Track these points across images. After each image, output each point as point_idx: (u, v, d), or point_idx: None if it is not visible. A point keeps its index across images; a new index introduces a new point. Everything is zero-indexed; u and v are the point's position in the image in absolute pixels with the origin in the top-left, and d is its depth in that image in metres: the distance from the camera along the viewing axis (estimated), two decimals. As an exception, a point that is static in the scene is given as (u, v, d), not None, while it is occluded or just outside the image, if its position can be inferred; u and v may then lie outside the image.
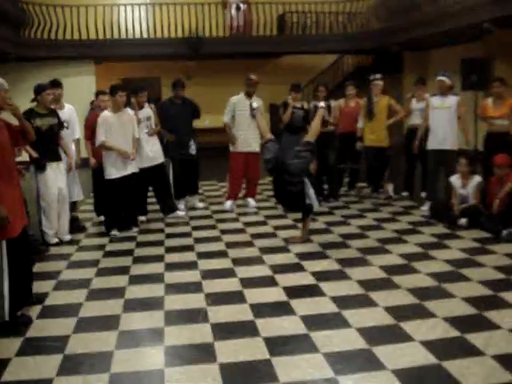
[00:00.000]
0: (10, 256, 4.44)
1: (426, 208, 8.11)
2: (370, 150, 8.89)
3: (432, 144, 7.96)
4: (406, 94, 10.15)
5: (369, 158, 9.09)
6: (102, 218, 7.91)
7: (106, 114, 7.19)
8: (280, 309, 4.77)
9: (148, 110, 7.93)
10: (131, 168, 7.31)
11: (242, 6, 16.47)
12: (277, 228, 7.49)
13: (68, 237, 7.13)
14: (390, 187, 9.23)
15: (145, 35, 15.44)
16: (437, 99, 7.95)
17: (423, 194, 8.84)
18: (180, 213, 8.22)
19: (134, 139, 7.39)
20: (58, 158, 6.90)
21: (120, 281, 5.59)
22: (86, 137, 7.73)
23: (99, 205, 8.05)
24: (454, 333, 4.20)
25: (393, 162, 9.35)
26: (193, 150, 8.41)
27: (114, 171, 7.18)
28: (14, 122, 4.80)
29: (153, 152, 7.89)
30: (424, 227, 7.31)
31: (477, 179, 7.34)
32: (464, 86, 9.41)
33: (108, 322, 4.59)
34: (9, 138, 4.59)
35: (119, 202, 7.24)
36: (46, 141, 6.61)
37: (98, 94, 8.20)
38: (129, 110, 7.48)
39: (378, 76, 8.93)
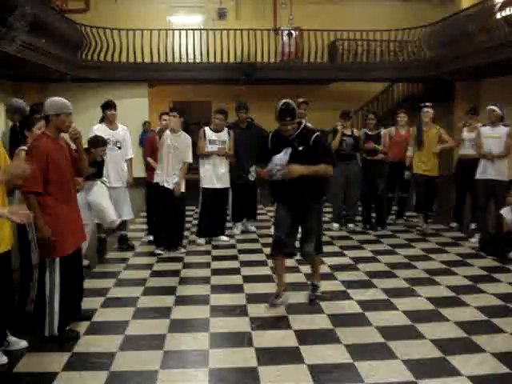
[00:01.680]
0: (62, 272, 4.55)
1: (475, 240, 7.96)
2: (419, 178, 8.78)
3: (482, 174, 7.83)
4: (458, 124, 10.02)
5: (417, 187, 8.98)
6: (151, 237, 8.06)
7: (167, 133, 7.43)
8: (325, 336, 4.74)
9: (224, 134, 8.07)
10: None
11: (293, 32, 16.63)
12: (323, 255, 7.42)
13: (85, 262, 6.76)
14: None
15: (197, 59, 15.72)
16: (487, 129, 7.85)
17: (473, 226, 8.68)
18: (224, 238, 8.26)
19: (183, 163, 7.47)
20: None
21: (166, 301, 5.65)
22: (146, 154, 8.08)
23: (150, 223, 8.27)
24: (502, 369, 4.10)
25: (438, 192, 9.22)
26: (252, 176, 8.42)
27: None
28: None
29: (221, 175, 8.04)
30: (473, 259, 7.17)
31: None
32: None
33: (154, 342, 4.64)
34: (70, 159, 4.73)
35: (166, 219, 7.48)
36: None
37: (161, 114, 8.43)
38: (185, 134, 7.58)
39: (429, 104, 8.85)
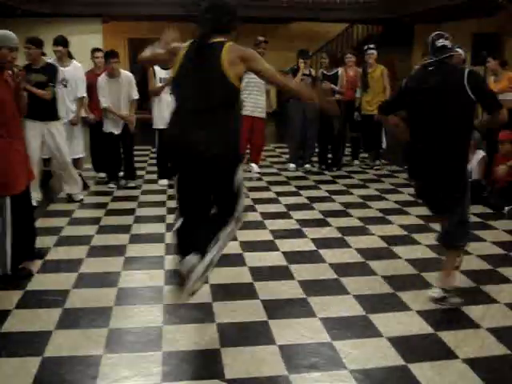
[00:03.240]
0: (13, 211, 4.45)
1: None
2: (367, 118, 8.88)
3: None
4: (415, 66, 10.04)
5: (364, 127, 9.10)
6: (101, 174, 8.11)
7: (103, 77, 7.52)
8: (279, 273, 4.80)
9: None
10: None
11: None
12: (279, 194, 7.50)
13: (80, 196, 7.11)
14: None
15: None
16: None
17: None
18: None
19: (130, 101, 7.67)
20: (41, 118, 6.49)
21: (121, 239, 5.63)
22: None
23: (97, 161, 8.29)
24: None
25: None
26: None
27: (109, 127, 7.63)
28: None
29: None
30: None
31: (481, 154, 7.32)
32: (475, 61, 9.33)
33: (108, 279, 4.63)
34: (10, 93, 4.55)
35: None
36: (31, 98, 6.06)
37: (94, 50, 8.31)
38: (127, 74, 7.70)
39: (372, 46, 8.93)
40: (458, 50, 7.69)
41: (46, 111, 6.52)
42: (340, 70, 9.02)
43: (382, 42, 9.81)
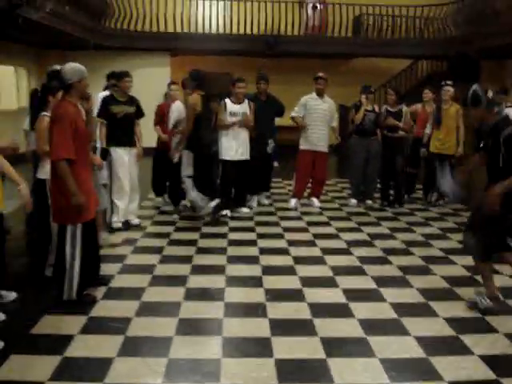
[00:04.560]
0: (83, 238, 4.61)
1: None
2: (435, 156, 8.73)
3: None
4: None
5: (428, 165, 8.97)
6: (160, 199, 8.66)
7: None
8: (339, 310, 4.77)
9: (245, 106, 8.02)
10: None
11: (318, 5, 16.43)
12: (340, 230, 7.46)
13: (137, 220, 7.39)
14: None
15: (220, 30, 15.62)
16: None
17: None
18: (245, 209, 8.30)
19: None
20: (131, 144, 7.13)
21: (182, 269, 5.72)
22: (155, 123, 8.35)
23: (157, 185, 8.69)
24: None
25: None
26: (270, 148, 8.44)
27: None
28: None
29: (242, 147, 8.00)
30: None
31: None
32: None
33: (169, 309, 4.70)
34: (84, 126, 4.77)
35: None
36: (119, 127, 6.85)
37: (171, 84, 8.58)
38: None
39: (449, 82, 8.78)
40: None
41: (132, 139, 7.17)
42: (404, 107, 8.97)
43: (447, 78, 9.67)
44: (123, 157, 6.97)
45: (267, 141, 8.37)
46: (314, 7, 16.42)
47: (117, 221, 7.09)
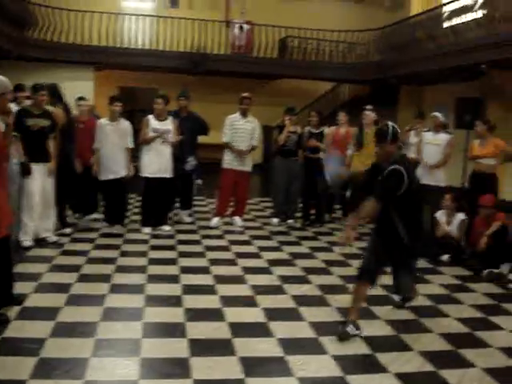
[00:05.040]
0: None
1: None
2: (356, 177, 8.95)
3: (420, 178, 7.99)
4: (404, 128, 10.26)
5: (352, 186, 9.16)
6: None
7: (104, 121, 7.71)
8: (258, 330, 4.79)
9: (168, 122, 7.97)
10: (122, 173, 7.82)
11: (244, 26, 16.64)
12: (261, 249, 7.51)
13: (54, 238, 7.17)
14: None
15: (147, 46, 15.55)
16: (429, 135, 8.04)
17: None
18: (166, 227, 8.22)
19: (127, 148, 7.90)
20: (45, 160, 6.90)
21: (101, 288, 5.59)
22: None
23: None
24: (428, 367, 4.25)
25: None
26: (189, 166, 8.39)
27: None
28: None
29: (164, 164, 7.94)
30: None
31: (461, 217, 7.43)
32: (458, 125, 9.55)
33: (86, 329, 4.58)
34: (2, 141, 4.60)
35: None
36: (34, 141, 6.66)
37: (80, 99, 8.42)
38: (124, 120, 7.88)
39: (369, 107, 9.05)
40: (435, 113, 7.95)
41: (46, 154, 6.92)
42: (325, 129, 9.16)
43: (368, 102, 9.99)
44: (35, 172, 6.74)
45: (186, 158, 8.34)
46: (241, 27, 16.62)
47: (27, 239, 6.85)
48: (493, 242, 6.87)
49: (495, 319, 5.38)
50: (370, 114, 8.90)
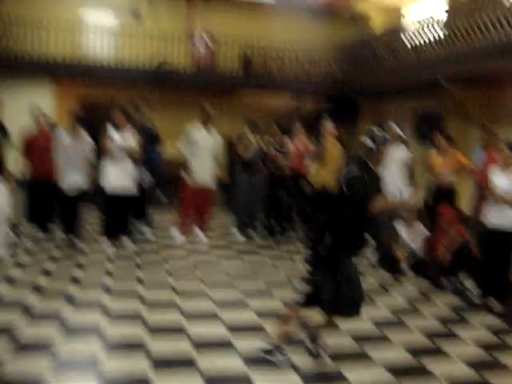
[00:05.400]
0: None
1: (372, 255, 8.14)
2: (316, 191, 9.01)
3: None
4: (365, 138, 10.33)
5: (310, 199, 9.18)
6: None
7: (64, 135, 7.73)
8: (221, 346, 4.73)
9: (130, 135, 7.89)
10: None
11: (207, 41, 16.65)
12: (222, 257, 7.52)
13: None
14: None
15: (108, 60, 15.39)
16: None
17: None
18: (127, 240, 8.11)
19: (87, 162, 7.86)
20: None
21: (56, 303, 5.44)
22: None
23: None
24: (392, 380, 4.26)
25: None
26: (143, 180, 8.27)
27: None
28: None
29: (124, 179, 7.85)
30: (370, 274, 7.39)
31: (422, 229, 7.50)
32: (417, 139, 9.69)
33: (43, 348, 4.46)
34: None
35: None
36: None
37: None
38: (86, 135, 7.85)
39: (328, 120, 9.06)
40: (393, 126, 8.02)
41: None
42: (286, 141, 9.19)
43: (329, 116, 10.06)
44: None
45: (141, 171, 8.23)
46: (204, 43, 16.61)
47: None
48: (452, 254, 6.95)
49: (456, 329, 5.44)
50: (327, 124, 8.87)
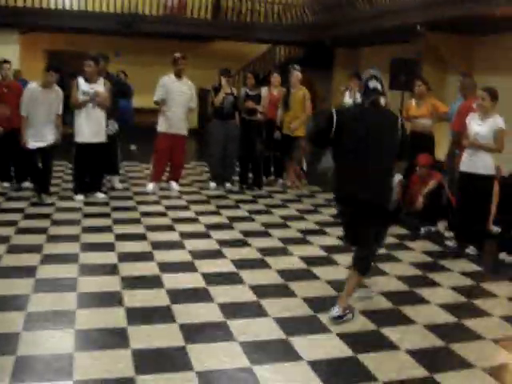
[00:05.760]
0: None
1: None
2: (286, 138, 8.96)
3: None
4: (340, 87, 10.25)
5: (283, 146, 9.13)
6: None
7: (34, 86, 7.37)
8: (198, 295, 4.68)
9: (99, 85, 7.62)
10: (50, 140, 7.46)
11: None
12: (199, 214, 7.37)
13: None
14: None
15: (74, 7, 14.85)
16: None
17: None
18: (101, 195, 7.93)
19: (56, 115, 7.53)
20: None
21: (32, 259, 5.33)
22: None
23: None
24: (371, 326, 4.25)
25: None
26: (110, 130, 8.02)
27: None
28: None
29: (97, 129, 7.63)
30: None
31: (398, 177, 7.46)
32: (392, 86, 9.57)
33: (16, 302, 4.36)
34: None
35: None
36: None
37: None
38: (56, 86, 7.48)
39: (297, 67, 9.00)
40: (369, 70, 7.88)
41: None
42: (263, 90, 9.04)
43: (303, 64, 9.90)
44: None
45: (108, 121, 7.97)
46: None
47: None
48: (429, 201, 6.95)
49: (434, 276, 5.46)
50: (297, 74, 8.86)
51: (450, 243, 6.52)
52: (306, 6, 15.99)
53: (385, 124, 4.33)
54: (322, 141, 4.53)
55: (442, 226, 7.01)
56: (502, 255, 6.14)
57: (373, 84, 4.36)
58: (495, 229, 6.75)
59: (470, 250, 6.26)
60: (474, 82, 7.40)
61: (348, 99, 9.05)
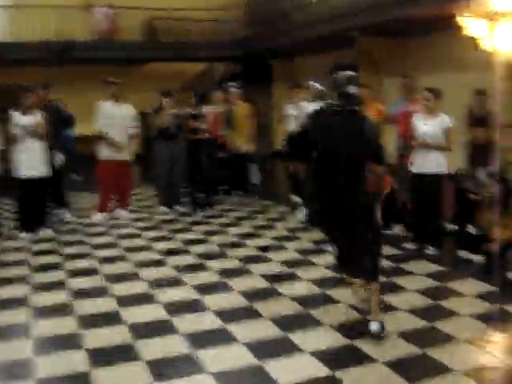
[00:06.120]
0: None
1: (302, 214, 8.03)
2: (236, 156, 8.93)
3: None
4: (284, 100, 10.20)
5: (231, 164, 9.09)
6: None
7: None
8: (161, 328, 4.45)
9: (35, 117, 7.29)
10: None
11: (107, 9, 15.88)
12: (152, 240, 7.14)
13: None
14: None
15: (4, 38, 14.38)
16: (312, 105, 7.94)
17: (297, 199, 8.72)
18: (47, 230, 7.57)
19: None
20: None
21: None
22: None
23: None
24: (343, 341, 4.14)
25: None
26: (57, 162, 7.74)
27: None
28: None
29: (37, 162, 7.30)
30: (302, 233, 7.28)
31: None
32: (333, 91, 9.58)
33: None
34: None
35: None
36: None
37: None
38: None
39: (234, 84, 9.02)
40: (315, 84, 7.90)
41: None
42: (204, 109, 8.92)
43: (242, 79, 9.85)
44: None
45: (53, 152, 7.69)
46: (103, 12, 15.84)
47: None
48: (383, 207, 6.90)
49: (398, 280, 5.39)
50: (235, 92, 8.90)
51: (409, 245, 6.50)
52: (239, 20, 15.95)
53: (354, 127, 4.26)
54: (299, 145, 4.51)
55: (399, 229, 6.99)
56: (461, 253, 6.15)
57: (352, 90, 4.30)
58: (451, 226, 6.77)
59: (430, 250, 6.25)
60: (415, 83, 7.49)
61: (291, 111, 8.96)
